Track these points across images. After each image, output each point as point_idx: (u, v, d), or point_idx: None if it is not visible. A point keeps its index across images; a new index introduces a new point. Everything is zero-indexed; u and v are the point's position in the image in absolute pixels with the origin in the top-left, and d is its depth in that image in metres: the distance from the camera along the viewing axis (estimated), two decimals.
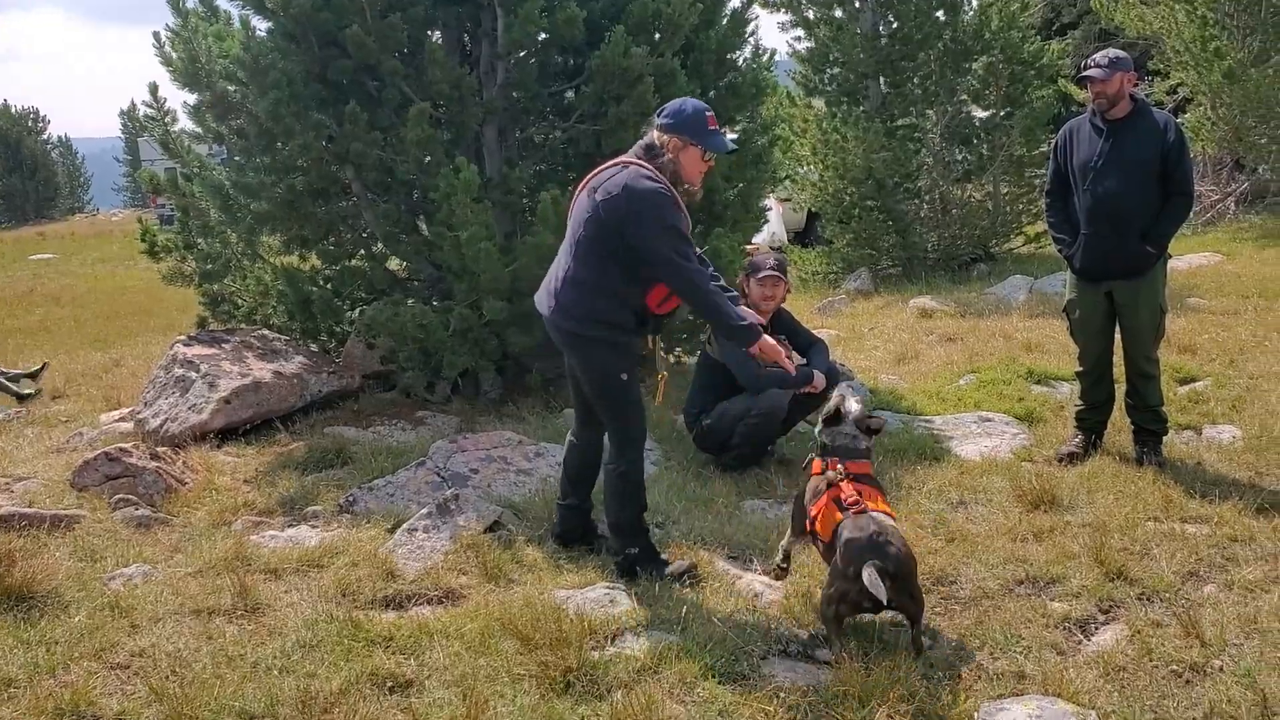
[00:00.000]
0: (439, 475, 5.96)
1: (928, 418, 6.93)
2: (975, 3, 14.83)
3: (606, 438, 4.65)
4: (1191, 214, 16.00)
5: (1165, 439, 5.97)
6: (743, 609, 4.25)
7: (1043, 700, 3.46)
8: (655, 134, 4.35)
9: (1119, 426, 6.13)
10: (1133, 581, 4.36)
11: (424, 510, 5.22)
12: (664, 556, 4.68)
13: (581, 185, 4.49)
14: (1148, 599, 4.24)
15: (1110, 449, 6.03)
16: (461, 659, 3.91)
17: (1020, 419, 6.77)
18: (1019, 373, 7.79)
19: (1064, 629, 4.05)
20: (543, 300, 4.54)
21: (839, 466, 4.14)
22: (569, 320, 4.40)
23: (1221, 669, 3.65)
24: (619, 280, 4.32)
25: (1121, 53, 5.72)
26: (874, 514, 3.92)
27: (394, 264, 8.51)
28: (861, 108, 14.29)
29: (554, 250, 4.69)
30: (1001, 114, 14.31)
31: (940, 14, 14.17)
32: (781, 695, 3.57)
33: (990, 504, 5.35)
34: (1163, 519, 5.01)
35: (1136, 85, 5.78)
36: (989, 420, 6.75)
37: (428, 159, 7.29)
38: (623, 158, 4.41)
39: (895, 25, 14.44)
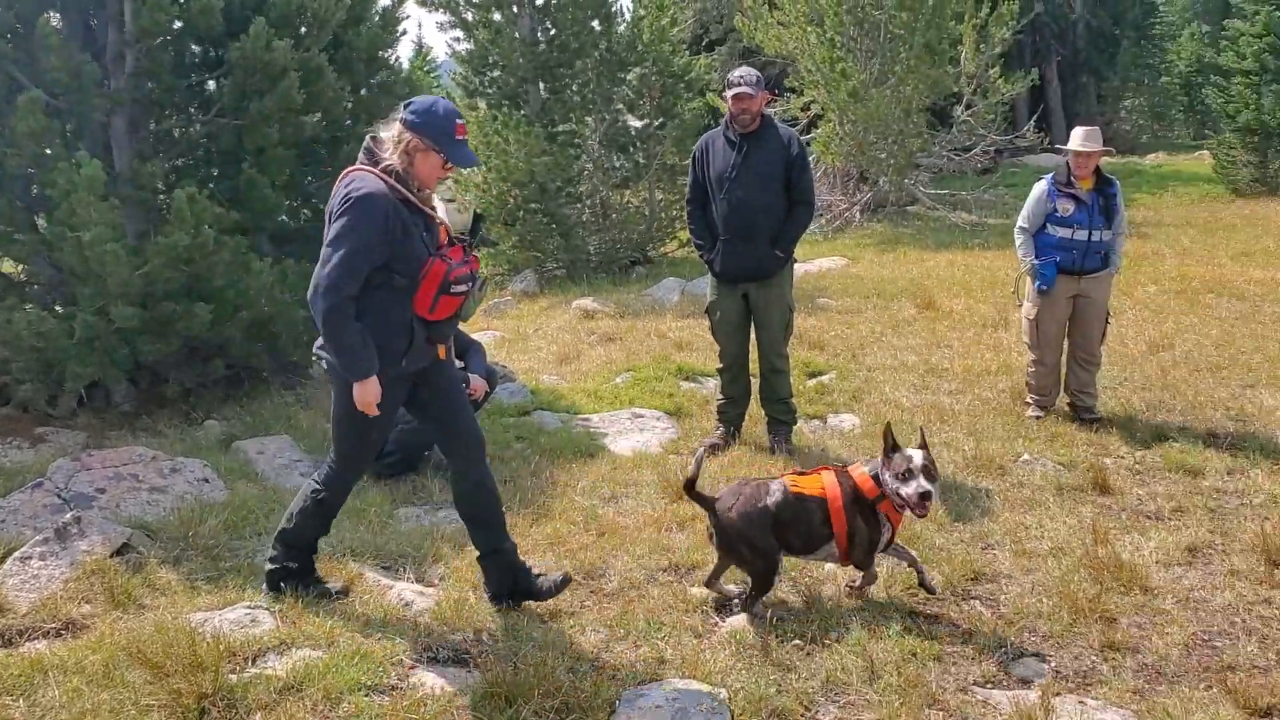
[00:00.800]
0: (59, 497, 5.43)
1: (586, 416, 7.13)
2: (629, 15, 15.45)
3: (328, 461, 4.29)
4: (823, 221, 17.66)
5: (795, 428, 6.48)
6: (393, 619, 4.17)
7: (679, 683, 3.64)
8: (396, 128, 3.91)
9: (756, 418, 6.57)
10: None
11: (39, 536, 4.73)
12: (319, 577, 4.47)
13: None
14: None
15: (748, 439, 6.45)
16: (82, 695, 3.57)
17: (670, 414, 7.11)
18: (670, 370, 8.19)
19: (702, 613, 4.28)
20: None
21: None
22: (328, 354, 3.99)
23: (838, 639, 3.99)
24: (377, 298, 3.90)
25: (759, 72, 6.17)
26: (770, 483, 4.36)
27: (9, 266, 7.67)
28: (523, 112, 14.49)
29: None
30: (655, 124, 14.97)
31: (596, 24, 14.62)
32: (429, 702, 3.54)
33: (639, 497, 5.58)
34: None
35: (769, 102, 6.25)
36: (642, 416, 7.03)
37: (46, 151, 6.62)
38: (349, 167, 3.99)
39: (553, 32, 14.77)
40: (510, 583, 4.29)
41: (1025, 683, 3.71)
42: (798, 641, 3.99)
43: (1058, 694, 3.60)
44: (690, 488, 4.27)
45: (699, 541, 4.85)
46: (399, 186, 3.87)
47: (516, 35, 14.46)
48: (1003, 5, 18.15)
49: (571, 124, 14.91)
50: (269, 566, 4.37)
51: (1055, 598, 4.27)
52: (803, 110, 18.98)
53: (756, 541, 4.16)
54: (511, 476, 5.90)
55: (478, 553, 4.33)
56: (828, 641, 3.97)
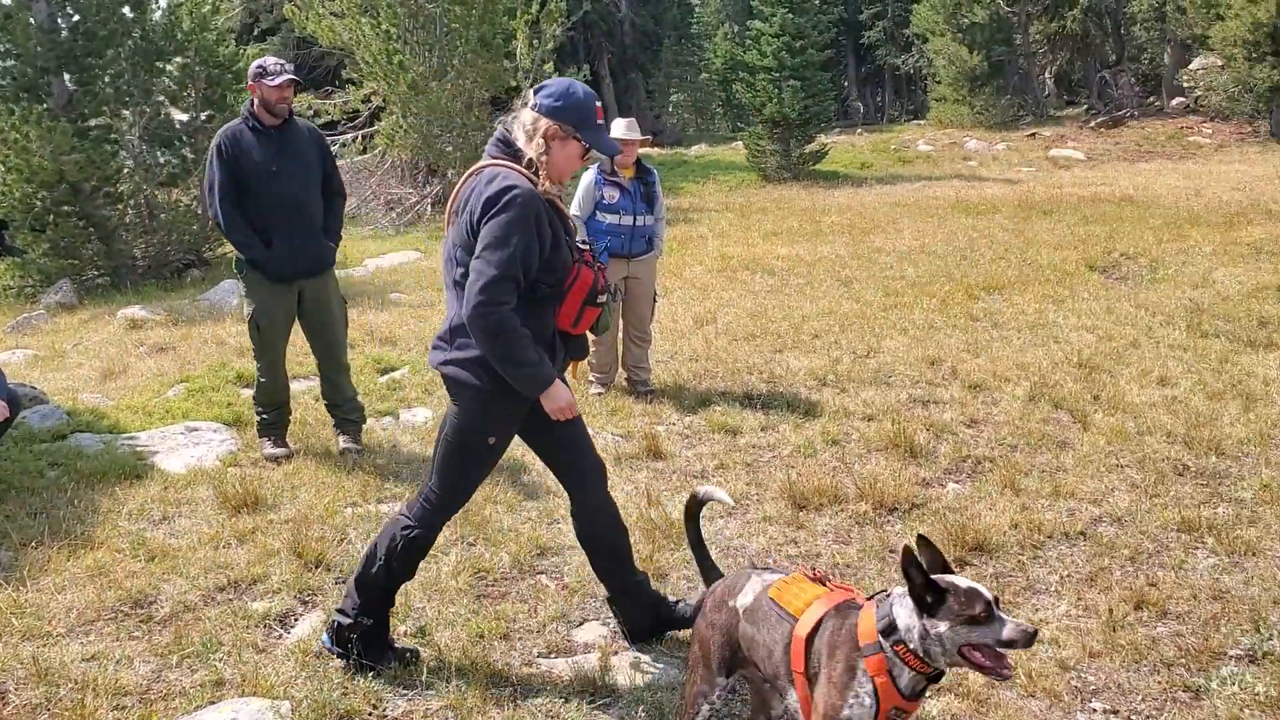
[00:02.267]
0: None
1: (132, 435, 6.53)
2: (165, 2, 14.35)
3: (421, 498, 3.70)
4: (394, 215, 17.49)
5: (365, 426, 6.36)
6: None
7: (239, 702, 3.45)
8: (528, 115, 3.44)
9: (324, 420, 6.37)
10: (331, 567, 4.56)
11: None
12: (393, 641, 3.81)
13: (447, 211, 3.61)
14: (344, 581, 4.42)
15: (316, 443, 6.24)
16: None
17: (229, 424, 6.69)
18: (229, 378, 7.73)
19: (265, 627, 4.08)
20: (433, 355, 3.68)
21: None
22: (461, 372, 3.52)
23: (406, 633, 3.97)
24: (521, 311, 3.39)
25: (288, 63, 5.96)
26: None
27: None
28: (45, 105, 13.01)
29: None
30: (202, 117, 14.05)
31: (127, 10, 13.45)
32: None
33: (195, 515, 5.21)
34: (361, 503, 5.32)
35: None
36: (197, 429, 6.57)
37: None
38: (488, 162, 3.49)
39: (76, 19, 13.38)
40: (653, 616, 3.89)
41: (588, 647, 3.89)
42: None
43: (615, 653, 3.81)
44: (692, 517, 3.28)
45: (261, 554, 4.63)
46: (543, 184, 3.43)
47: (32, 21, 12.93)
48: (552, 3, 18.90)
49: (106, 118, 13.61)
50: (341, 620, 3.66)
51: None
52: (364, 103, 18.66)
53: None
54: (44, 508, 5.29)
55: (607, 594, 3.92)
56: (395, 636, 3.93)
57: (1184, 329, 8.29)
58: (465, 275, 3.35)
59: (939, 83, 31.48)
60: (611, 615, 4.01)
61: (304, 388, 7.15)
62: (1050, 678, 3.61)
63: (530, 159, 3.42)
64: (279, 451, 6.07)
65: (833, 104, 24.70)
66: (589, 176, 7.17)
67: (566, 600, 4.23)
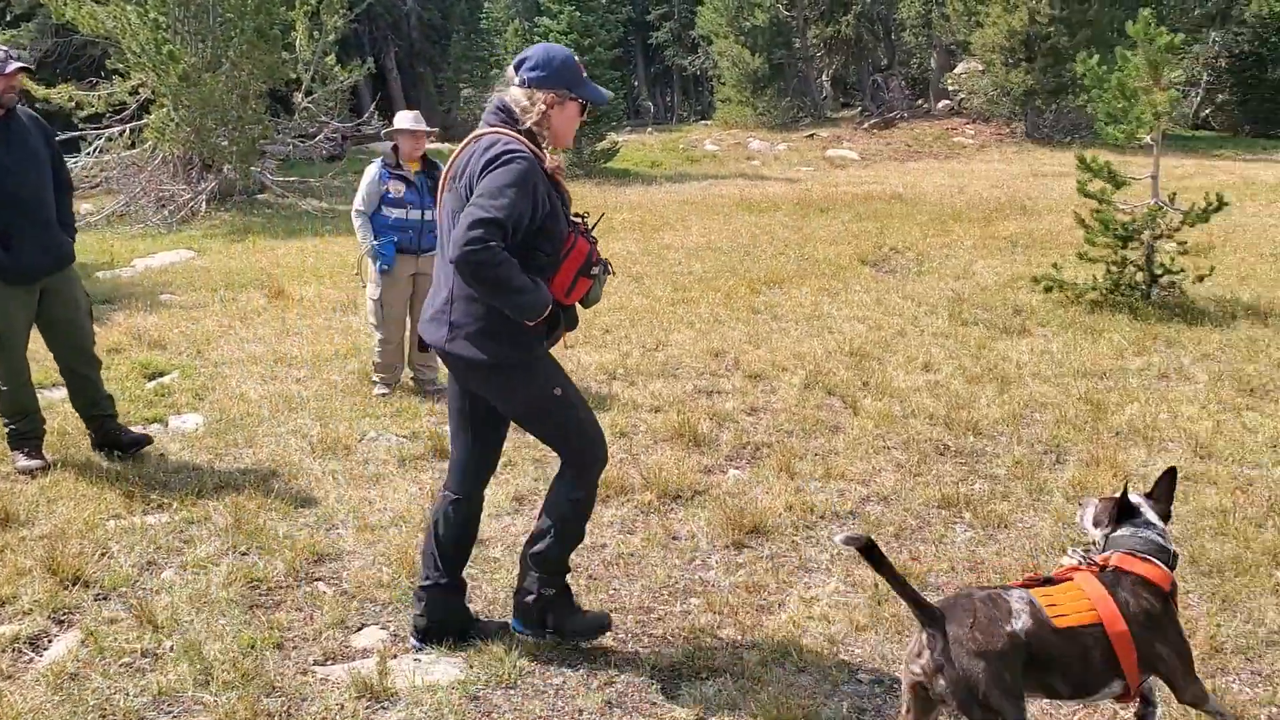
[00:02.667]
0: None
1: None
2: None
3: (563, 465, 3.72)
4: (166, 213, 16.57)
5: (124, 429, 5.99)
6: None
7: None
8: (518, 93, 3.51)
9: (82, 430, 5.98)
10: (90, 584, 4.28)
11: None
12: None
13: (442, 181, 3.64)
14: (104, 598, 4.20)
15: (78, 454, 5.85)
16: None
17: None
18: None
19: (14, 650, 3.80)
20: (430, 331, 3.60)
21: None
22: (468, 347, 3.49)
23: (171, 649, 3.77)
24: None
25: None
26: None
27: None
28: None
29: None
30: None
31: None
32: None
33: None
34: (125, 515, 5.02)
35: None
36: None
37: None
38: (486, 130, 3.53)
39: None
40: (458, 618, 3.86)
41: (367, 652, 3.80)
42: (128, 659, 3.70)
43: (394, 657, 3.74)
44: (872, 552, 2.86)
45: (11, 573, 4.30)
46: (542, 154, 3.48)
47: None
48: None
49: None
50: (529, 599, 3.78)
51: (395, 566, 4.43)
52: (131, 94, 17.58)
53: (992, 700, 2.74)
54: None
55: (424, 582, 3.81)
56: (160, 653, 3.73)
57: (946, 318, 8.84)
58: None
59: (724, 84, 32.39)
60: (395, 614, 3.95)
61: (61, 395, 6.68)
62: (821, 653, 3.78)
63: (530, 129, 3.50)
64: (33, 464, 5.64)
65: (622, 103, 25.01)
66: (372, 170, 7.01)
67: (344, 606, 4.12)
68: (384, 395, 7.01)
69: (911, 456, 5.74)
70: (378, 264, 6.95)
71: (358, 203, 7.00)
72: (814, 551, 4.64)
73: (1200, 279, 9.04)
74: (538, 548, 3.71)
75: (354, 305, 9.55)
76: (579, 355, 7.84)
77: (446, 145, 27.79)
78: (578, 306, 3.66)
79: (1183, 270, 9.09)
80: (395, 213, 6.92)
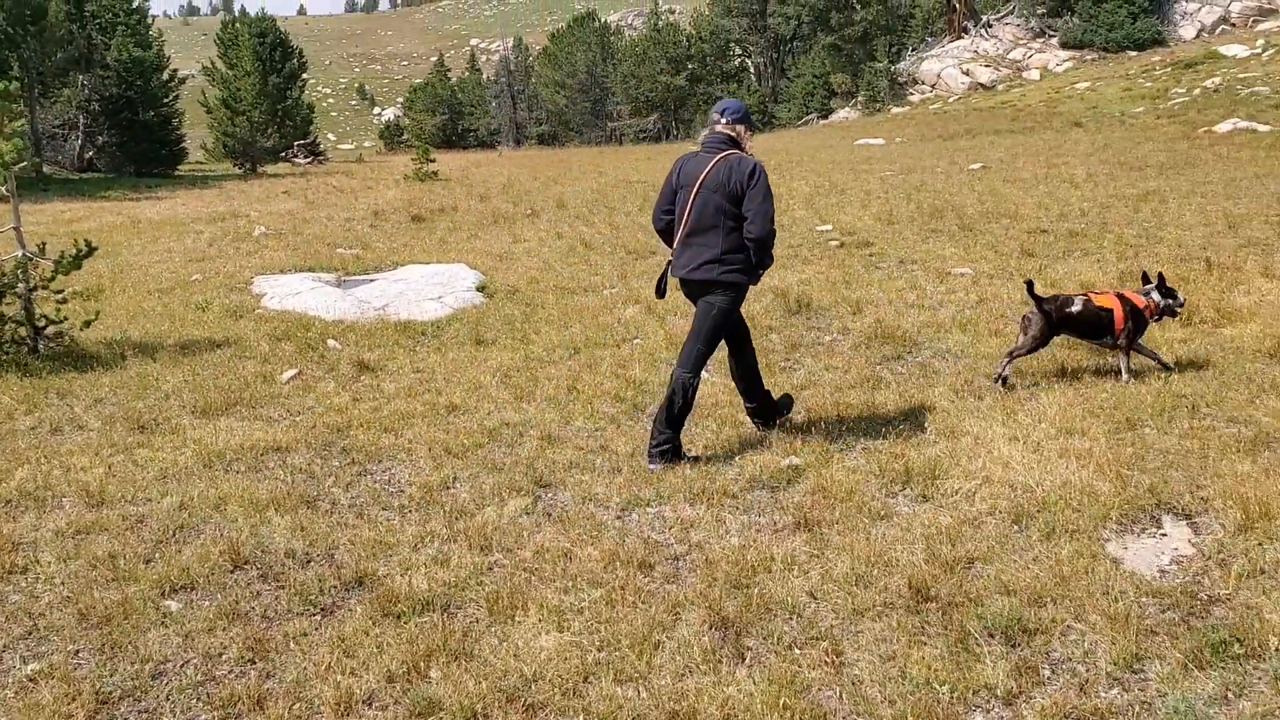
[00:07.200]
0: None
1: None
2: None
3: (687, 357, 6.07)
4: None
5: None
6: None
7: None
8: (729, 129, 6.00)
9: None
10: None
11: None
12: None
13: (698, 179, 5.90)
14: None
15: None
16: None
17: None
18: None
19: None
20: (703, 273, 5.94)
21: None
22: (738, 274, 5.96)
23: None
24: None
25: None
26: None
27: None
28: None
29: None
30: None
31: None
32: None
33: None
34: None
35: None
36: None
37: None
38: (726, 150, 5.96)
39: None
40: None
41: None
42: None
43: None
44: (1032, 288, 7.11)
45: None
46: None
47: None
48: None
49: None
50: (665, 447, 5.96)
51: None
52: None
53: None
54: None
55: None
56: None
57: None
58: (736, 220, 5.83)
59: None
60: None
61: None
62: None
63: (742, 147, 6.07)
64: None
65: None
66: None
67: None
68: None
69: None
70: None
71: None
72: None
73: (87, 324, 9.04)
74: (668, 415, 5.98)
75: None
76: None
77: None
78: None
79: (67, 319, 8.99)
80: None
